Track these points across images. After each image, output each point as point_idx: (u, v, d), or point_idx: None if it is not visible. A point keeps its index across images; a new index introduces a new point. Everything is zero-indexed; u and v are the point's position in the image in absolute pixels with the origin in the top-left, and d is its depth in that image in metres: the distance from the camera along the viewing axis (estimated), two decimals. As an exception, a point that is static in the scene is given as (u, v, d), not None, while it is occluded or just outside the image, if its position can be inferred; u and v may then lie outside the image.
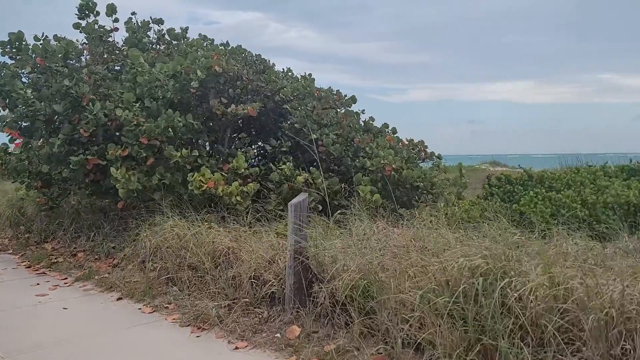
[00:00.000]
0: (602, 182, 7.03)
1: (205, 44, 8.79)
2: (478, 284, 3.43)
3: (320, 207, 7.31)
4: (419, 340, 3.57)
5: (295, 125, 8.03)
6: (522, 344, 3.25)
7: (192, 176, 6.67)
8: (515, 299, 3.33)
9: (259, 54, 8.88)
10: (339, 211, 6.41)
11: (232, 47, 8.88)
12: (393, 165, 7.75)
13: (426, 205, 7.53)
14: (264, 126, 8.76)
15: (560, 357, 3.14)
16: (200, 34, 8.93)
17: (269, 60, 9.03)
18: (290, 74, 9.28)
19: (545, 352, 3.22)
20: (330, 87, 9.61)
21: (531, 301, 3.30)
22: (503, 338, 3.25)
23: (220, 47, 8.69)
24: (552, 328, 3.17)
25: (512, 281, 3.44)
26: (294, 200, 4.50)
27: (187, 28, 9.02)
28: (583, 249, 5.07)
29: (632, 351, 2.98)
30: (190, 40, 8.78)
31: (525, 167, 8.50)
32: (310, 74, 9.26)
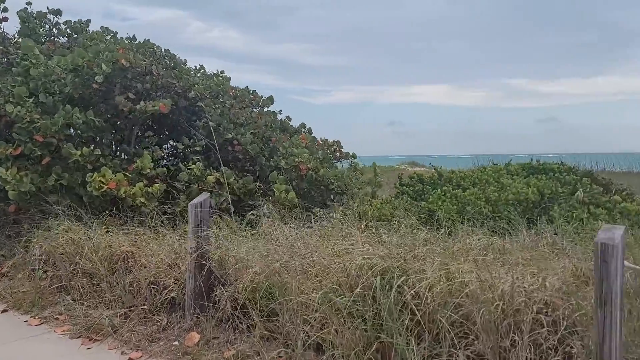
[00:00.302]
0: (504, 180, 7.35)
1: (108, 37, 8.31)
2: (376, 282, 3.41)
3: (233, 208, 7.13)
4: (319, 341, 3.50)
5: (210, 123, 7.76)
6: (418, 340, 3.26)
7: (92, 177, 6.25)
8: (412, 296, 3.33)
9: (168, 50, 8.52)
10: (251, 211, 6.28)
11: (140, 41, 8.45)
12: (308, 165, 7.70)
13: (340, 205, 7.53)
14: (176, 125, 8.41)
15: (453, 351, 3.17)
16: (102, 27, 8.44)
17: (180, 57, 8.69)
18: (203, 71, 8.99)
19: (440, 347, 3.24)
20: (247, 87, 9.43)
21: (427, 297, 3.32)
22: (400, 335, 3.24)
23: (126, 41, 8.25)
24: (447, 323, 3.20)
25: (409, 279, 3.44)
26: (195, 201, 4.29)
27: (88, 21, 8.48)
28: (484, 244, 5.26)
29: (520, 342, 3.05)
30: (91, 33, 8.26)
31: (438, 166, 8.75)
32: (223, 72, 9.02)
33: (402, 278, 3.43)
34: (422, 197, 7.63)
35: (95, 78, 7.23)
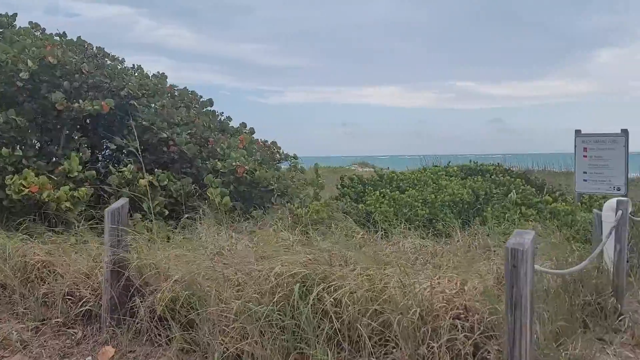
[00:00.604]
0: (442, 182, 7.43)
1: (37, 33, 7.88)
2: (296, 290, 3.30)
3: (168, 212, 6.88)
4: (238, 353, 3.37)
5: (144, 123, 7.47)
6: (338, 349, 3.18)
7: (12, 179, 5.88)
8: (332, 303, 3.25)
9: (102, 47, 8.16)
10: (187, 215, 6.07)
11: (71, 38, 8.06)
12: (246, 167, 7.54)
13: (279, 208, 7.41)
14: (109, 125, 8.06)
15: (373, 360, 3.11)
16: (30, 22, 7.99)
17: (115, 55, 8.35)
18: (140, 70, 8.67)
19: (360, 356, 3.17)
20: (185, 87, 9.17)
21: (348, 305, 3.24)
22: (319, 344, 3.15)
23: (56, 38, 7.84)
24: (366, 331, 3.13)
25: (331, 286, 3.36)
26: (112, 206, 4.07)
27: (14, 15, 8.02)
28: (417, 246, 5.26)
29: (438, 349, 3.02)
30: (18, 28, 7.81)
31: (379, 168, 8.78)
32: (162, 73, 8.74)
33: (322, 285, 3.35)
34: (363, 198, 7.62)
35: (20, 75, 6.84)
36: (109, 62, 8.03)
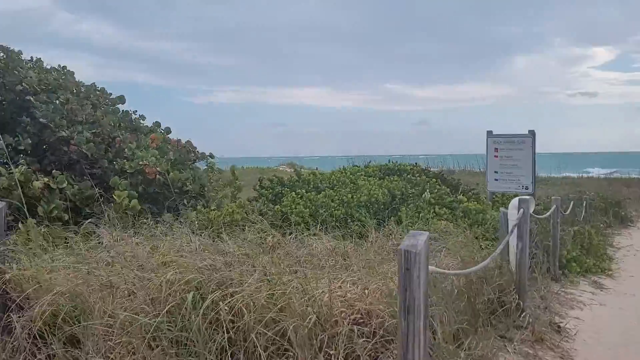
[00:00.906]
0: (360, 182, 7.40)
1: None
2: (189, 299, 3.07)
3: (67, 216, 6.37)
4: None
5: (41, 120, 6.90)
6: (233, 361, 2.97)
7: None
8: (227, 311, 3.04)
9: (-5, 38, 7.46)
10: (89, 220, 5.62)
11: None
12: (157, 168, 7.15)
13: (194, 210, 7.08)
14: (2, 122, 7.39)
15: (269, 371, 2.93)
16: None
17: (11, 47, 7.66)
18: (39, 63, 8.03)
19: (257, 367, 2.98)
20: (93, 83, 8.60)
21: (244, 313, 3.05)
22: (210, 356, 2.93)
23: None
24: (262, 341, 2.95)
25: (227, 292, 3.15)
26: (-15, 212, 3.64)
27: None
28: (330, 248, 5.15)
29: (335, 357, 2.89)
30: None
31: (299, 167, 8.66)
32: (65, 67, 8.14)
33: (218, 292, 3.13)
34: (281, 199, 7.44)
35: None
36: (1, 54, 7.36)
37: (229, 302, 3.07)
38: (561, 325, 4.54)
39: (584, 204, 10.29)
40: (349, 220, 6.45)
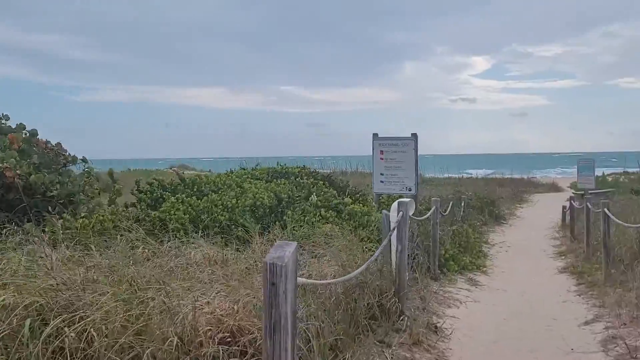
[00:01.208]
0: (245, 185, 7.16)
1: None
2: (26, 326, 2.64)
3: None
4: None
5: None
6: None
7: None
8: (73, 338, 2.66)
9: None
10: None
11: None
12: (17, 171, 6.39)
13: (60, 218, 6.39)
14: None
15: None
16: None
17: None
18: None
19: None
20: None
21: (94, 338, 2.68)
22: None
23: None
24: (115, 369, 2.61)
25: (75, 316, 2.76)
26: None
27: None
28: (207, 257, 4.84)
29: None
30: None
31: (180, 170, 8.23)
32: None
33: (65, 316, 2.73)
34: (162, 205, 6.98)
35: None
36: None
37: (76, 327, 2.69)
38: (438, 325, 4.64)
39: (463, 204, 10.88)
40: (233, 226, 6.17)
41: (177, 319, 2.77)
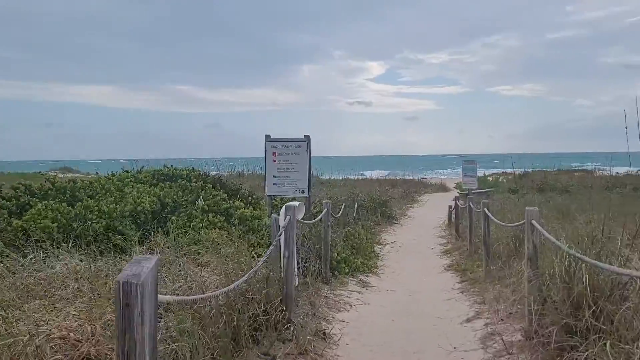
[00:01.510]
0: (126, 189, 6.63)
1: None
2: None
3: None
4: None
5: None
6: None
7: None
8: None
9: None
10: None
11: None
12: None
13: None
14: None
15: None
16: None
17: None
18: None
19: None
20: None
21: None
22: None
23: None
24: None
25: None
26: None
27: None
28: (76, 270, 4.36)
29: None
30: None
31: (50, 175, 7.45)
32: None
33: None
34: (27, 212, 6.24)
35: None
36: None
37: None
38: (327, 331, 4.53)
39: (356, 205, 11.02)
40: (110, 234, 5.66)
41: (17, 348, 2.36)
